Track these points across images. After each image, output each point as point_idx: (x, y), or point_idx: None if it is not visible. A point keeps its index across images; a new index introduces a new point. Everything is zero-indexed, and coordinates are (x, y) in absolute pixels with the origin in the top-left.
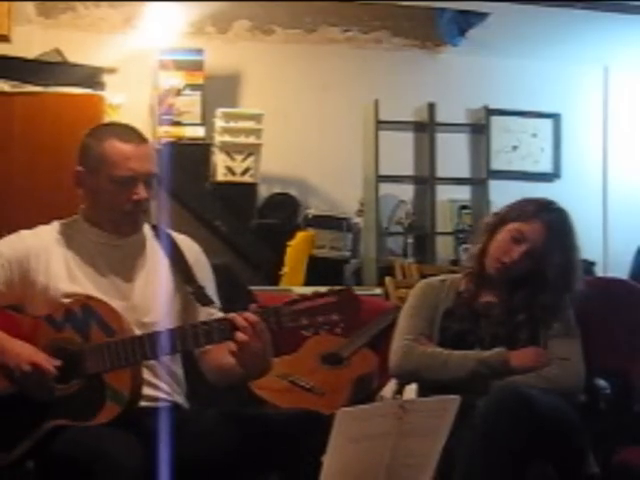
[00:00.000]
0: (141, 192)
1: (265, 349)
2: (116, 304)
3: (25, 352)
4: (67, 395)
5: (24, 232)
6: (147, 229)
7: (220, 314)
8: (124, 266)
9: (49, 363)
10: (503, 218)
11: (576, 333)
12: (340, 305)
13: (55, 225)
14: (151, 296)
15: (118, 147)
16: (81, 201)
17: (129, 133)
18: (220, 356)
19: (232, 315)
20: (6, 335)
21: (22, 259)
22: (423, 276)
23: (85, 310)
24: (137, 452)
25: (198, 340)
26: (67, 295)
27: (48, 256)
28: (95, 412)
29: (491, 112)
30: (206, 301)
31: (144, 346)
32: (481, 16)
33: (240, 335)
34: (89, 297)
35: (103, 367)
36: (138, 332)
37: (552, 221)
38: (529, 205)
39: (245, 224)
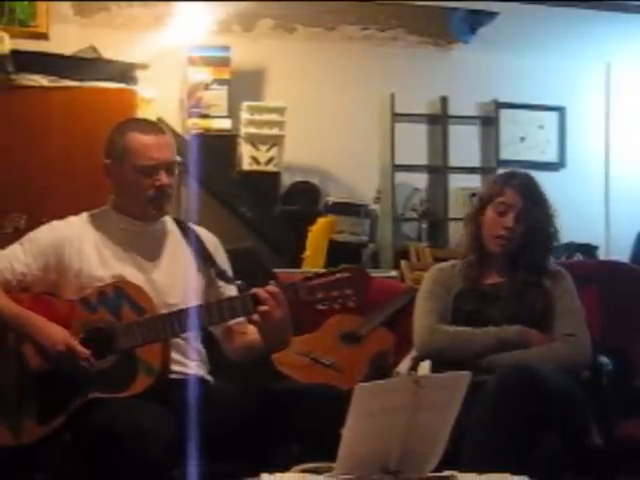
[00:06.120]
0: (163, 178)
1: (284, 320)
2: (143, 286)
3: (59, 334)
4: (102, 369)
5: (56, 222)
6: (170, 221)
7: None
8: (150, 251)
9: (81, 346)
10: (482, 202)
11: (580, 310)
12: (352, 280)
13: (84, 215)
14: (175, 279)
15: (139, 138)
16: (110, 191)
17: (149, 126)
18: (242, 335)
19: (254, 290)
20: (41, 317)
21: (57, 246)
22: (436, 259)
23: (117, 292)
24: (169, 424)
25: (223, 315)
26: (99, 278)
27: (80, 242)
28: (129, 383)
29: (500, 105)
30: (229, 280)
31: (173, 322)
32: (491, 15)
33: (262, 307)
34: (121, 280)
35: (135, 342)
36: (164, 312)
37: (521, 183)
38: (496, 180)
39: (269, 211)
